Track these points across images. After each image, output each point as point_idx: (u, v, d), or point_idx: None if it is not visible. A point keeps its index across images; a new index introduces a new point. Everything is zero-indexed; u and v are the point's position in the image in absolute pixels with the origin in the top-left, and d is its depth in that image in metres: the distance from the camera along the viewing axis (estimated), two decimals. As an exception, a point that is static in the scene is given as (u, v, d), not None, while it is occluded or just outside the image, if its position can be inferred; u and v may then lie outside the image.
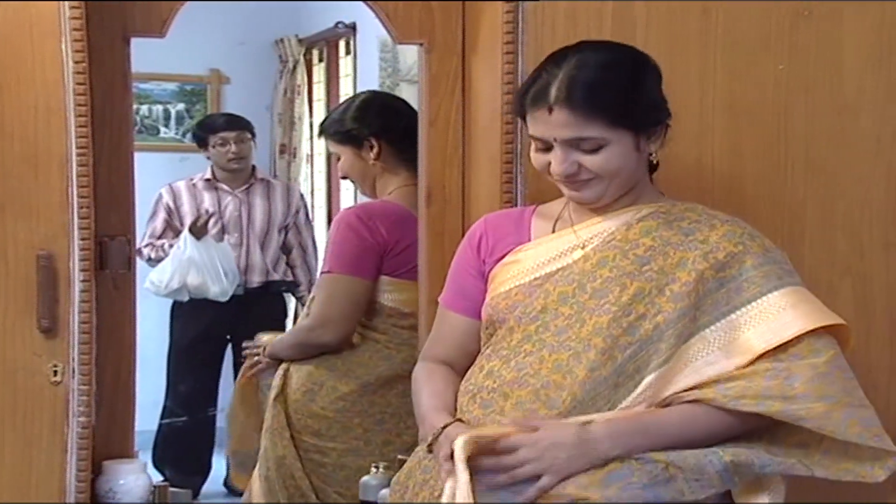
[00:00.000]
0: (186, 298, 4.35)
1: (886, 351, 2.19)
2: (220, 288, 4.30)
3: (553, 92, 1.72)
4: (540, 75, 1.77)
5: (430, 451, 1.73)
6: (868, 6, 2.15)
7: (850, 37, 2.15)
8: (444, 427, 1.71)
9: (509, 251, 1.86)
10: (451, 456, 1.63)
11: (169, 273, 4.29)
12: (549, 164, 1.76)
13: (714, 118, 2.15)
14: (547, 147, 1.76)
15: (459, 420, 1.74)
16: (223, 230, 4.48)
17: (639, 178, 1.82)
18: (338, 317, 2.52)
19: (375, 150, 2.61)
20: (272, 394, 2.62)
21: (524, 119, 1.81)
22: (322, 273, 2.59)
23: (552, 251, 1.82)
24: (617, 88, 1.73)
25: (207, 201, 4.51)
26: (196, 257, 4.26)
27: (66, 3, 1.98)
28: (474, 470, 1.63)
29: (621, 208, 1.82)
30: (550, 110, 1.72)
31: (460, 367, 1.88)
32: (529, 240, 1.87)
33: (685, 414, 1.69)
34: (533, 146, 1.80)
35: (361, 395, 2.53)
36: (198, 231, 4.30)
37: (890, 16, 2.15)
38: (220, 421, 4.61)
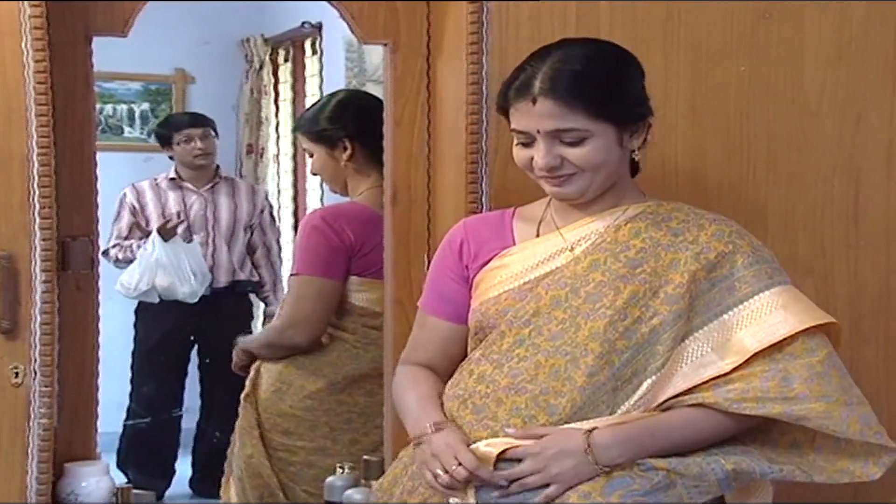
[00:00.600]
0: (157, 300, 4.32)
1: (847, 350, 2.20)
2: (189, 289, 4.28)
3: (537, 83, 1.72)
4: (524, 69, 1.77)
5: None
6: (828, 7, 2.17)
7: (811, 39, 2.17)
8: (433, 427, 1.71)
9: (494, 256, 1.85)
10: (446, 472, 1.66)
11: (137, 275, 4.26)
12: (531, 159, 1.76)
13: (677, 119, 2.16)
14: (529, 142, 1.76)
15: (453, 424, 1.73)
16: (189, 229, 4.45)
17: (621, 175, 1.82)
18: (308, 318, 2.52)
19: (349, 151, 2.61)
20: (243, 393, 2.62)
21: (507, 114, 1.80)
22: (291, 275, 2.59)
23: (539, 254, 1.81)
24: (600, 80, 1.74)
25: (172, 201, 4.48)
26: (163, 259, 4.23)
27: (27, 2, 1.96)
28: (484, 481, 1.66)
29: (606, 209, 1.82)
30: (534, 101, 1.72)
31: (443, 371, 1.87)
32: (514, 243, 1.86)
33: (688, 418, 1.69)
34: (515, 142, 1.79)
35: (329, 394, 2.54)
36: (166, 233, 4.28)
37: (849, 17, 2.17)
38: (186, 422, 4.59)
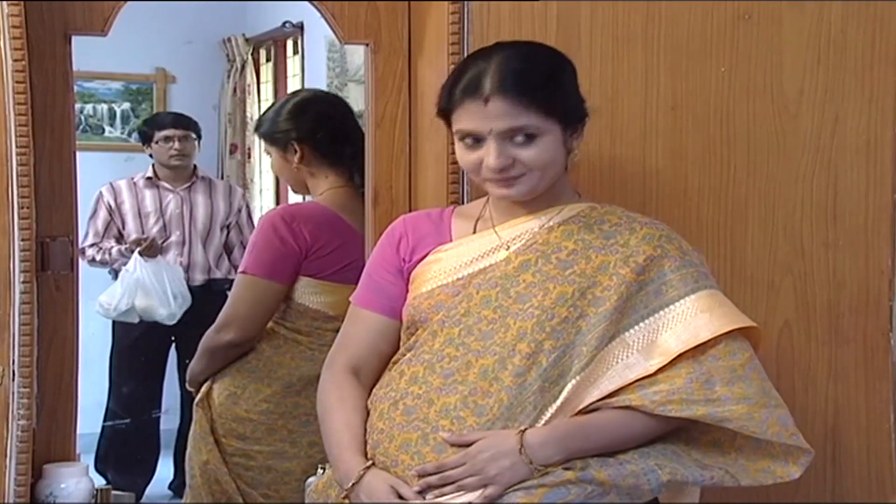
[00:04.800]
0: (136, 321, 4.30)
1: (826, 349, 2.23)
2: (167, 311, 4.25)
3: (488, 83, 1.71)
4: (466, 70, 1.75)
5: (346, 498, 1.73)
6: (806, 8, 2.18)
7: (790, 39, 2.19)
8: (361, 476, 1.71)
9: (430, 251, 1.85)
10: None
11: (118, 295, 4.23)
12: (479, 162, 1.75)
13: (658, 119, 2.17)
14: (477, 143, 1.75)
15: (373, 464, 1.73)
16: (165, 228, 4.44)
17: (560, 175, 1.82)
18: (242, 317, 2.49)
19: (298, 154, 2.59)
20: (196, 399, 2.60)
21: (447, 118, 1.79)
22: (238, 272, 2.57)
23: (474, 251, 1.82)
24: (547, 79, 1.74)
25: (148, 200, 4.47)
26: (144, 279, 4.21)
27: (5, 1, 1.95)
28: (422, 488, 1.67)
29: (542, 208, 1.82)
30: (486, 100, 1.71)
31: (370, 369, 1.86)
32: (451, 240, 1.86)
33: (618, 419, 1.71)
34: (460, 146, 1.78)
35: (285, 397, 2.51)
36: (148, 252, 4.26)
37: (827, 18, 2.19)
38: (164, 423, 4.57)
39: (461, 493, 1.66)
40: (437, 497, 1.67)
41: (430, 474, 1.67)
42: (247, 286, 2.50)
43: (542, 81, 1.73)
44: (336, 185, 2.57)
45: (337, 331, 1.92)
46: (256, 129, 2.74)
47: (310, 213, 2.56)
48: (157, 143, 4.45)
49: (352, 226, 2.50)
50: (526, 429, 1.67)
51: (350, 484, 1.72)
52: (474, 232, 1.86)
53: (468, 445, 1.67)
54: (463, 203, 2.11)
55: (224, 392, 2.54)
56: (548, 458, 1.66)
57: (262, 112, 2.83)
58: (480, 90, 1.71)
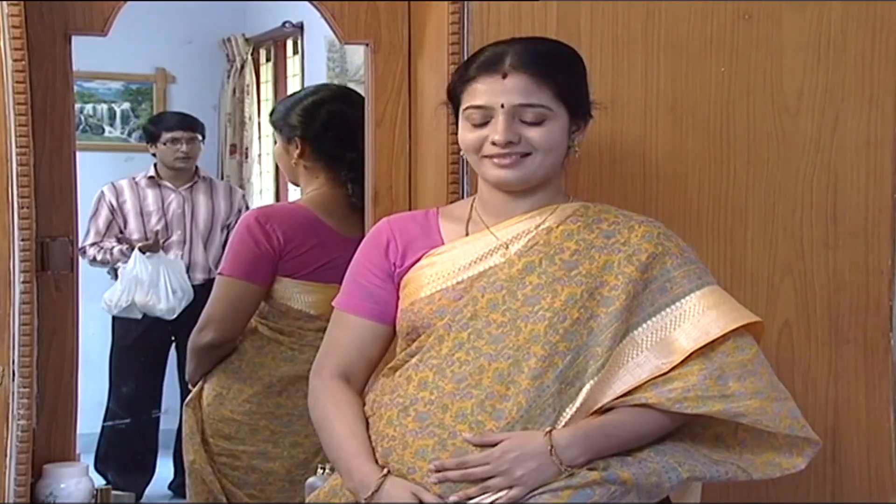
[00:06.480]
0: (139, 317, 4.30)
1: (826, 350, 2.23)
2: (166, 305, 4.25)
3: (508, 60, 1.75)
4: (483, 52, 1.80)
5: None
6: (806, 8, 2.18)
7: (790, 39, 2.19)
8: (380, 485, 1.69)
9: (422, 255, 1.83)
10: None
11: (119, 292, 4.24)
12: (482, 141, 1.76)
13: (658, 119, 2.17)
14: (485, 121, 1.76)
15: (389, 472, 1.71)
16: (167, 228, 4.45)
17: (555, 173, 1.83)
18: (219, 318, 2.50)
19: (298, 150, 2.61)
20: (187, 399, 2.61)
21: (456, 98, 1.80)
22: (217, 273, 2.57)
23: (471, 254, 1.80)
24: (565, 65, 1.80)
25: (150, 199, 4.47)
26: (142, 275, 4.21)
27: (5, 1, 1.95)
28: (440, 481, 1.66)
29: (535, 208, 1.82)
30: (505, 75, 1.74)
31: (360, 375, 1.85)
32: (442, 243, 1.84)
33: (636, 417, 1.72)
34: (465, 124, 1.79)
35: (266, 397, 2.51)
36: (148, 248, 4.26)
37: (827, 18, 2.19)
38: (164, 423, 4.57)
39: (486, 494, 1.66)
40: (460, 499, 1.66)
41: (450, 470, 1.66)
42: (224, 287, 2.51)
43: (560, 66, 1.78)
44: (324, 186, 2.58)
45: (319, 331, 1.90)
46: (271, 114, 2.76)
47: (285, 214, 2.57)
48: (164, 143, 4.45)
49: (330, 226, 2.50)
50: (551, 430, 1.67)
51: (369, 493, 1.70)
52: (467, 234, 1.84)
53: (492, 446, 1.67)
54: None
55: (212, 392, 2.55)
56: (573, 458, 1.66)
57: (274, 104, 2.83)
58: (500, 65, 1.75)
